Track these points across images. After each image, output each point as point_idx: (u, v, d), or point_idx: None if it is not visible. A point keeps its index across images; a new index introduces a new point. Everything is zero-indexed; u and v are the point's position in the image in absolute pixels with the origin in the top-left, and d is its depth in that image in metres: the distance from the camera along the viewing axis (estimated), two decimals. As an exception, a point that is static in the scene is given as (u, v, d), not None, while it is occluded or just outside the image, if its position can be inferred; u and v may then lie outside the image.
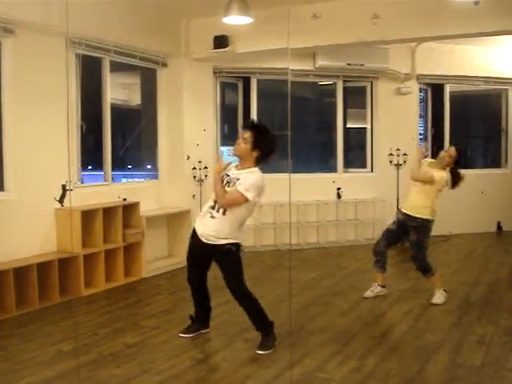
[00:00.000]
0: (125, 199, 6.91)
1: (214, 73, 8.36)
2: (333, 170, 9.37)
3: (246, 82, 8.82)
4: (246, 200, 4.24)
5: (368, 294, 5.91)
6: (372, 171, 9.47)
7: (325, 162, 9.83)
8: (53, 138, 6.02)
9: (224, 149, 8.55)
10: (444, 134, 9.80)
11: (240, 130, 4.48)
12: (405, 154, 9.07)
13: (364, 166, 9.53)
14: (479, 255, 8.20)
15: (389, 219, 8.98)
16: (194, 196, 7.81)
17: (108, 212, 6.44)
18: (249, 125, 4.42)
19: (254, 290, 4.52)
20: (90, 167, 7.15)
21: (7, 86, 5.68)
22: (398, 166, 9.09)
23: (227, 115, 8.91)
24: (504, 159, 10.37)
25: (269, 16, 6.56)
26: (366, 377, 3.91)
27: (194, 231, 4.54)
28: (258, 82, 8.82)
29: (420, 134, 9.83)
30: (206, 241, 4.41)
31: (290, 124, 4.59)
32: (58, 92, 5.96)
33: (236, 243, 4.39)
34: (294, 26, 5.83)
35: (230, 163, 4.46)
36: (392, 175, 9.09)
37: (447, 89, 9.89)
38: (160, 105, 7.81)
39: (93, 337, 4.76)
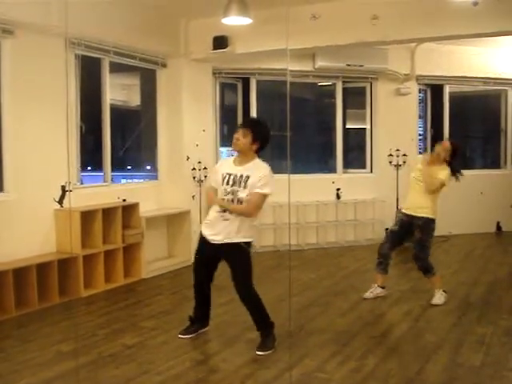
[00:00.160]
0: (124, 200, 6.91)
1: (214, 73, 8.36)
2: (332, 170, 9.37)
3: (246, 82, 8.82)
4: (266, 196, 4.27)
5: (368, 294, 5.90)
6: (371, 172, 9.47)
7: (324, 163, 9.84)
8: (52, 138, 6.02)
9: (223, 149, 8.56)
10: (443, 134, 9.80)
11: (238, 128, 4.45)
12: (404, 155, 9.07)
13: (363, 167, 9.53)
14: (479, 256, 8.21)
15: (388, 220, 9.08)
16: (193, 196, 7.81)
17: (107, 213, 6.44)
18: (246, 121, 4.43)
19: (254, 291, 4.51)
20: (89, 168, 7.15)
21: (7, 86, 5.68)
22: (397, 166, 9.10)
23: (227, 116, 8.91)
24: (503, 160, 10.37)
25: (268, 17, 6.56)
26: (366, 377, 3.91)
27: (201, 236, 4.51)
28: (258, 82, 8.82)
29: (419, 135, 9.84)
30: (217, 241, 4.37)
31: (290, 125, 4.59)
32: (57, 93, 5.95)
33: (247, 243, 4.38)
34: (293, 26, 5.85)
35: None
36: (391, 176, 9.10)
37: (446, 89, 9.90)
38: (159, 105, 7.81)
39: (92, 338, 4.75)
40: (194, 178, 7.81)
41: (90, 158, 7.14)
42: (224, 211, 4.33)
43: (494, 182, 9.95)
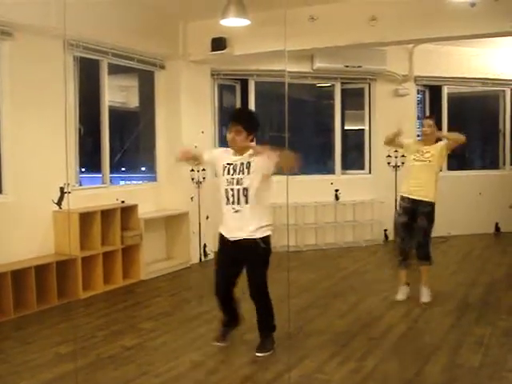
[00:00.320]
0: (123, 201, 6.91)
1: (212, 75, 8.36)
2: (331, 171, 9.38)
3: (244, 84, 8.83)
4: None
5: (400, 297, 5.81)
6: (370, 173, 9.48)
7: (323, 164, 9.85)
8: (51, 140, 6.02)
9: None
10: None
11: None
12: (403, 156, 9.04)
13: (362, 168, 9.54)
14: (477, 256, 8.21)
15: (387, 221, 9.11)
16: (192, 198, 7.81)
17: (106, 214, 6.44)
18: (236, 118, 4.35)
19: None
20: (88, 170, 7.15)
21: (5, 88, 5.68)
22: (395, 167, 9.10)
23: (225, 117, 8.90)
24: (502, 160, 10.39)
25: (266, 18, 6.57)
26: (365, 378, 3.91)
27: (221, 236, 4.43)
28: (256, 84, 8.83)
29: (418, 136, 9.83)
30: (234, 238, 4.29)
31: (288, 126, 4.60)
32: (56, 94, 5.95)
33: (266, 238, 4.29)
34: (291, 28, 5.85)
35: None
36: (390, 177, 9.10)
37: (445, 90, 9.91)
38: (158, 107, 7.81)
39: (91, 339, 4.75)
40: (193, 179, 7.81)
41: (89, 160, 7.14)
42: (233, 202, 4.25)
43: (493, 183, 9.96)
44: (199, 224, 7.89)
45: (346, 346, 4.54)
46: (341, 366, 4.12)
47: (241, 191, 4.22)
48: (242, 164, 4.24)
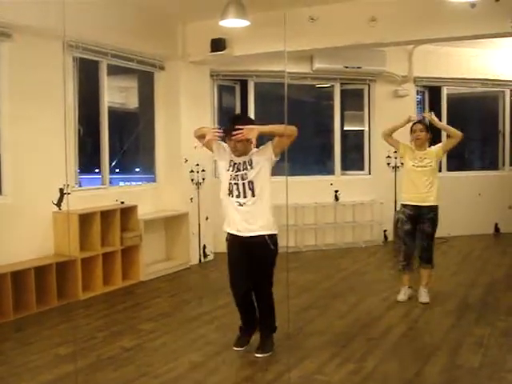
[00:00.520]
0: (122, 202, 6.91)
1: (211, 76, 8.37)
2: (330, 172, 9.38)
3: (243, 84, 8.83)
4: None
5: (402, 297, 5.81)
6: (370, 173, 9.48)
7: (322, 165, 9.85)
8: (50, 141, 6.02)
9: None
10: (441, 136, 9.79)
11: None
12: (402, 157, 9.05)
13: (361, 169, 9.55)
14: (477, 257, 8.21)
15: (387, 221, 9.11)
16: (191, 199, 7.81)
17: (106, 215, 6.44)
18: (235, 125, 4.28)
19: (252, 293, 4.51)
20: (87, 170, 7.15)
21: (4, 89, 5.68)
22: (395, 168, 9.10)
23: (224, 118, 8.91)
24: (501, 161, 10.39)
25: (266, 19, 6.56)
26: (365, 379, 3.91)
27: (230, 235, 4.38)
28: (256, 84, 8.84)
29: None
30: (242, 234, 4.26)
31: (287, 127, 4.58)
32: (55, 95, 5.96)
33: (273, 236, 4.28)
34: (291, 28, 5.84)
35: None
36: (389, 177, 9.10)
37: (444, 91, 9.91)
38: (157, 108, 7.81)
39: (91, 340, 4.75)
40: (192, 180, 7.81)
41: (88, 161, 7.14)
42: (238, 196, 4.24)
43: (492, 184, 9.97)
44: (199, 225, 7.89)
45: (346, 346, 4.54)
46: (340, 366, 4.12)
47: (246, 185, 4.23)
48: (245, 162, 4.27)
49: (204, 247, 8.02)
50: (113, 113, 7.20)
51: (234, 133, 4.11)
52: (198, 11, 7.00)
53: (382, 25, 6.46)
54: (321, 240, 8.98)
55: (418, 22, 6.31)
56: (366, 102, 9.46)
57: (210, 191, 7.80)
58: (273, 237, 4.28)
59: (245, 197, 4.24)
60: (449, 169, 9.92)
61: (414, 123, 5.84)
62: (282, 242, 7.59)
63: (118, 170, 7.83)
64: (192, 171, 7.78)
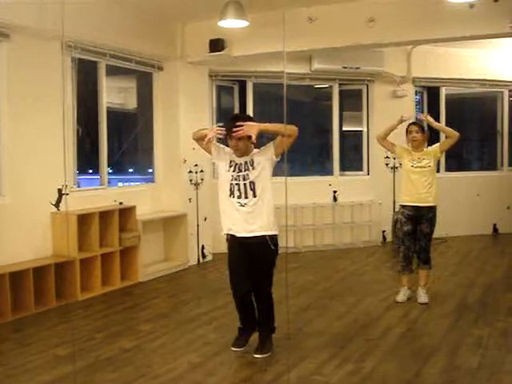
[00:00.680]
0: (121, 203, 6.90)
1: (210, 76, 8.37)
2: (329, 172, 9.39)
3: (242, 85, 8.83)
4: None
5: (401, 298, 5.81)
6: (368, 174, 9.48)
7: (321, 165, 9.85)
8: (49, 141, 6.01)
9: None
10: (440, 136, 9.80)
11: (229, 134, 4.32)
12: (400, 158, 9.06)
13: (360, 169, 9.55)
14: (475, 257, 8.21)
15: (385, 222, 9.10)
16: (190, 200, 7.80)
17: (104, 216, 6.43)
18: (235, 124, 4.28)
19: (251, 294, 4.50)
20: (86, 171, 7.14)
21: (2, 90, 5.67)
22: (394, 168, 9.09)
23: (223, 119, 8.91)
24: (500, 161, 10.40)
25: (265, 19, 6.57)
26: (364, 380, 3.91)
27: (230, 236, 4.37)
28: (254, 85, 8.83)
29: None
30: (242, 235, 4.25)
31: (286, 127, 4.58)
32: (53, 96, 5.95)
33: (274, 237, 4.28)
34: (289, 29, 5.85)
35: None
36: (388, 178, 9.10)
37: (443, 91, 9.92)
38: (156, 108, 7.81)
39: (89, 341, 4.75)
40: (191, 181, 7.80)
41: (87, 161, 7.13)
42: (239, 197, 4.23)
43: (491, 184, 9.98)
44: (197, 225, 7.88)
45: (345, 347, 4.53)
46: (339, 367, 4.12)
47: (248, 185, 4.23)
48: (246, 163, 4.26)
49: (202, 248, 8.02)
50: (111, 113, 7.20)
51: (235, 129, 4.10)
52: (196, 11, 7.00)
53: (380, 25, 6.46)
54: (319, 240, 8.98)
55: (416, 23, 6.32)
56: (365, 103, 9.47)
57: (209, 192, 7.80)
58: (273, 237, 4.28)
59: (246, 197, 4.23)
60: (447, 169, 9.93)
61: (410, 124, 5.83)
62: (281, 243, 7.63)
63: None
64: (191, 172, 7.77)
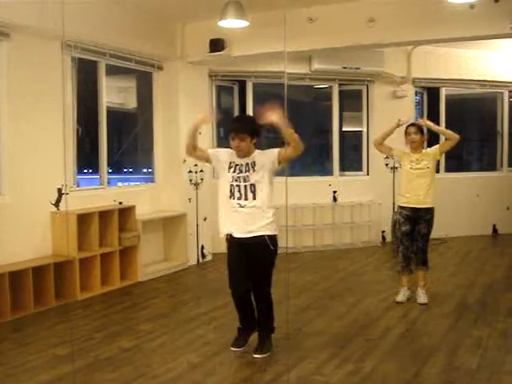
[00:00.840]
0: (121, 203, 6.90)
1: (210, 76, 8.36)
2: (329, 173, 9.38)
3: (242, 85, 8.82)
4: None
5: (401, 298, 5.81)
6: (368, 174, 9.48)
7: (321, 166, 9.85)
8: (49, 141, 6.02)
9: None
10: (439, 137, 9.79)
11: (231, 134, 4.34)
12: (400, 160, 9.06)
13: (360, 169, 9.55)
14: (475, 258, 8.21)
15: (385, 222, 9.10)
16: (190, 199, 7.80)
17: (104, 216, 6.43)
18: (237, 127, 4.28)
19: (251, 294, 4.50)
20: (85, 171, 7.14)
21: (2, 89, 5.66)
22: (393, 169, 9.09)
23: (223, 119, 8.89)
24: (499, 162, 10.40)
25: (265, 20, 6.57)
26: (363, 380, 3.91)
27: (229, 236, 4.35)
28: (254, 85, 8.83)
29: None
30: (241, 235, 4.24)
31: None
32: (53, 95, 5.95)
33: (274, 239, 4.28)
34: (289, 29, 5.84)
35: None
36: (388, 178, 9.09)
37: (443, 92, 9.92)
38: (156, 108, 7.81)
39: (89, 341, 4.74)
40: (191, 180, 7.80)
41: (87, 161, 7.13)
42: (239, 198, 4.23)
43: (490, 185, 9.98)
44: (197, 225, 7.88)
45: (345, 347, 4.53)
46: (339, 367, 4.12)
47: (248, 187, 4.23)
48: (248, 164, 4.26)
49: (202, 248, 8.02)
50: (111, 113, 7.19)
51: (259, 112, 4.09)
52: (196, 11, 6.99)
53: (380, 25, 6.46)
54: (319, 241, 8.97)
55: (416, 23, 6.32)
56: (365, 103, 9.47)
57: (209, 192, 7.80)
58: (272, 237, 4.28)
59: (246, 199, 4.23)
60: (447, 170, 9.93)
61: (408, 126, 5.81)
62: (281, 243, 7.63)
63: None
64: (190, 172, 7.77)
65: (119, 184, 7.79)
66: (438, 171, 5.91)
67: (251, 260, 4.30)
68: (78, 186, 6.67)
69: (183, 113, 7.71)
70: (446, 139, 5.87)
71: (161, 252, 7.70)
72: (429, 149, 5.80)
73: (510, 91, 10.29)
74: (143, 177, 8.28)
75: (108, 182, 7.09)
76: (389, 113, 9.16)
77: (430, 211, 5.65)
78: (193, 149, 4.45)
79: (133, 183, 8.14)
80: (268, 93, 9.12)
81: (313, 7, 6.67)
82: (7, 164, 5.73)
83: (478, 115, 10.97)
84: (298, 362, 4.19)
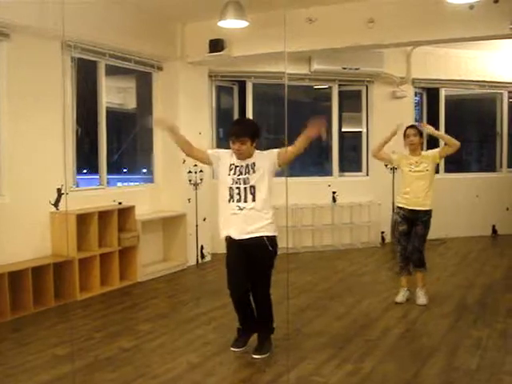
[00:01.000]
0: (120, 203, 6.90)
1: (210, 76, 8.36)
2: (328, 173, 9.39)
3: (242, 85, 8.83)
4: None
5: (400, 299, 5.81)
6: (367, 175, 9.49)
7: (320, 166, 9.85)
8: (48, 141, 6.02)
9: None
10: (439, 142, 9.79)
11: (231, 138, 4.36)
12: (398, 165, 9.06)
13: (359, 170, 9.55)
14: (474, 259, 8.21)
15: (384, 223, 9.10)
16: (189, 200, 7.80)
17: (103, 216, 6.43)
18: (237, 131, 4.29)
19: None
20: (85, 171, 7.14)
21: (2, 89, 5.66)
22: (393, 169, 9.09)
23: (223, 119, 8.91)
24: (499, 163, 10.41)
25: (264, 20, 6.57)
26: (363, 380, 3.91)
27: (228, 238, 4.35)
28: (254, 85, 8.83)
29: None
30: (241, 237, 4.24)
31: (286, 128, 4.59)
32: (53, 95, 5.96)
33: (273, 240, 4.29)
34: (289, 30, 5.84)
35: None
36: (387, 179, 9.09)
37: (442, 93, 9.93)
38: (155, 108, 7.81)
39: (88, 341, 4.74)
40: (190, 181, 7.80)
41: (86, 161, 7.13)
42: (238, 200, 4.23)
43: (490, 186, 9.98)
44: (196, 226, 7.88)
45: (344, 347, 4.53)
46: (338, 367, 4.12)
47: (248, 189, 4.24)
48: (248, 165, 4.27)
49: (201, 248, 8.02)
50: (111, 113, 7.19)
51: (313, 127, 4.44)
52: (196, 12, 7.00)
53: (380, 26, 6.47)
54: (318, 241, 8.98)
55: (416, 24, 6.32)
56: (364, 104, 9.47)
57: (208, 192, 7.80)
58: (272, 238, 4.28)
59: (245, 201, 4.24)
60: (446, 170, 9.94)
61: (407, 128, 5.80)
62: (281, 244, 7.64)
63: (125, 170, 7.86)
64: (190, 172, 7.77)
65: (119, 184, 7.79)
66: (437, 172, 5.90)
67: (250, 261, 4.30)
68: (78, 186, 6.67)
69: (183, 113, 7.71)
70: (445, 144, 5.86)
71: (160, 252, 7.70)
72: (428, 151, 5.79)
73: (509, 92, 10.31)
74: (143, 177, 8.28)
75: (107, 182, 7.09)
76: (388, 113, 9.20)
77: (428, 213, 5.65)
78: (185, 145, 4.47)
79: (132, 183, 8.14)
80: (268, 93, 9.12)
81: (312, 8, 6.67)
82: (7, 164, 5.73)
83: (478, 116, 10.97)
84: (297, 363, 4.19)
